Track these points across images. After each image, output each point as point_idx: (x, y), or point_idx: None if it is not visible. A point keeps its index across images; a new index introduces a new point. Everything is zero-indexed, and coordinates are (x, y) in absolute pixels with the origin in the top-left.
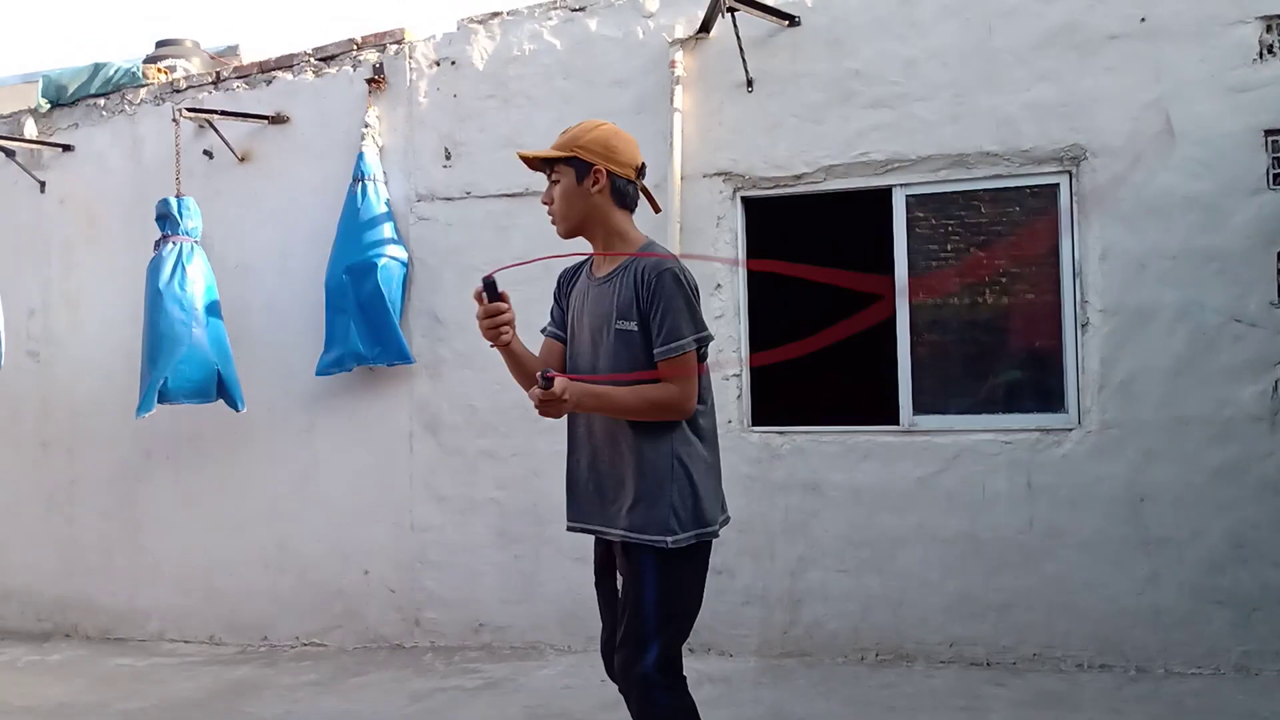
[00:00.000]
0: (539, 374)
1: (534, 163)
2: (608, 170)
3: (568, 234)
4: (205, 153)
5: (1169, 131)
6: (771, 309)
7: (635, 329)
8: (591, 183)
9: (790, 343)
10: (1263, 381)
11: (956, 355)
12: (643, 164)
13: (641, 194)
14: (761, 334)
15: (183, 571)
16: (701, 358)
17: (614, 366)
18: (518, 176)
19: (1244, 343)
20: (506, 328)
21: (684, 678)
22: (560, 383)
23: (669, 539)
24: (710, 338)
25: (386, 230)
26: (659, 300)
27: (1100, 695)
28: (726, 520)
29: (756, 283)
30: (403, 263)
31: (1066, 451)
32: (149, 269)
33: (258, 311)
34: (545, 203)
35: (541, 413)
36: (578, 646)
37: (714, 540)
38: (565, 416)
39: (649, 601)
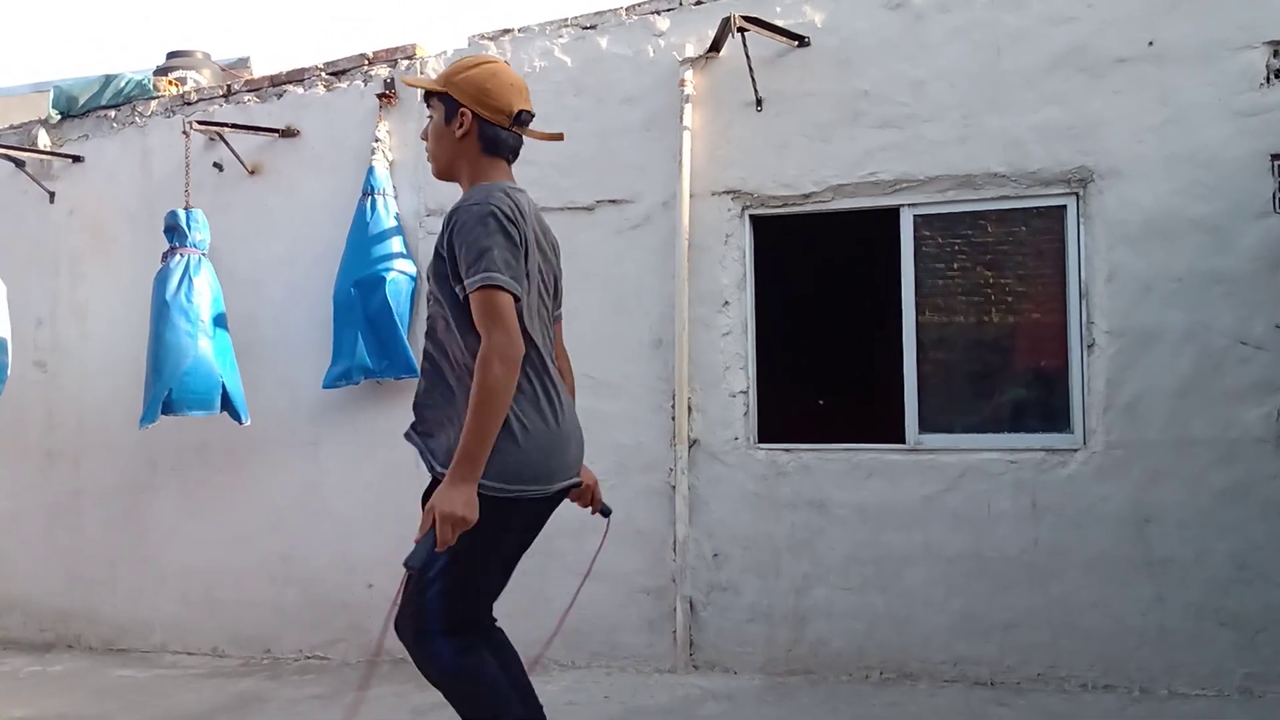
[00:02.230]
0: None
1: (423, 89)
2: (475, 114)
3: (437, 174)
4: (215, 165)
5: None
6: (779, 326)
7: (443, 280)
8: (457, 125)
9: (796, 360)
10: (1268, 404)
11: (963, 374)
12: (521, 110)
13: (536, 137)
14: (768, 352)
15: (187, 583)
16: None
17: (429, 332)
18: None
19: (1250, 365)
20: (447, 533)
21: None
22: (434, 513)
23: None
24: (504, 284)
25: (395, 245)
26: (450, 238)
27: (1104, 716)
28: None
29: (764, 300)
30: (411, 277)
31: (1072, 471)
32: (156, 280)
33: (266, 324)
34: (422, 139)
35: (460, 530)
36: (581, 663)
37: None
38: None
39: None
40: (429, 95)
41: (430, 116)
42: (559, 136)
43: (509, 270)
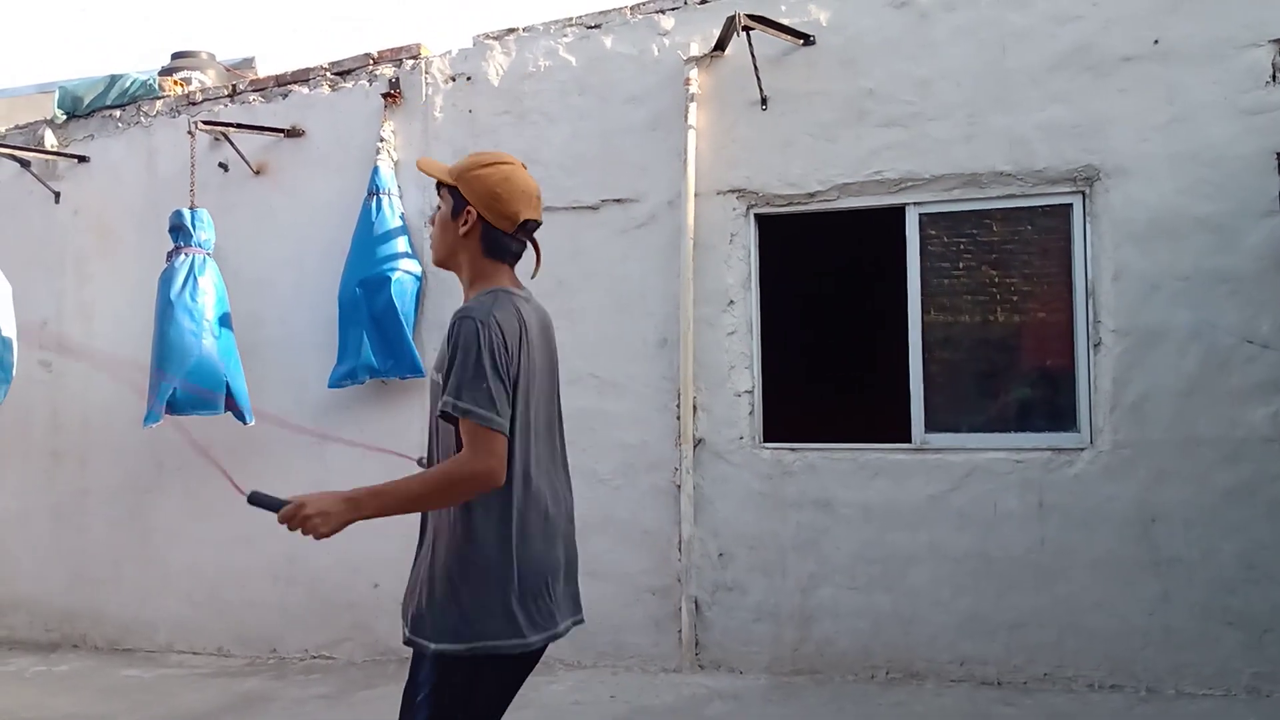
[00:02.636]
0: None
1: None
2: (480, 215)
3: (437, 262)
4: (220, 165)
5: None
6: (784, 326)
7: (441, 381)
8: (462, 221)
9: (801, 359)
10: (1274, 403)
11: (969, 373)
12: (529, 220)
13: (531, 247)
14: (773, 351)
15: (192, 583)
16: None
17: (432, 424)
18: None
19: (1256, 364)
20: (315, 521)
21: None
22: (305, 497)
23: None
24: (486, 418)
25: (400, 244)
26: (453, 348)
27: (1111, 716)
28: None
29: (769, 300)
30: (416, 276)
31: (1078, 471)
32: (161, 280)
33: (271, 324)
34: (429, 224)
35: (305, 531)
36: (587, 662)
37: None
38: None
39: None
40: (440, 185)
41: (439, 206)
42: (536, 269)
43: (497, 406)
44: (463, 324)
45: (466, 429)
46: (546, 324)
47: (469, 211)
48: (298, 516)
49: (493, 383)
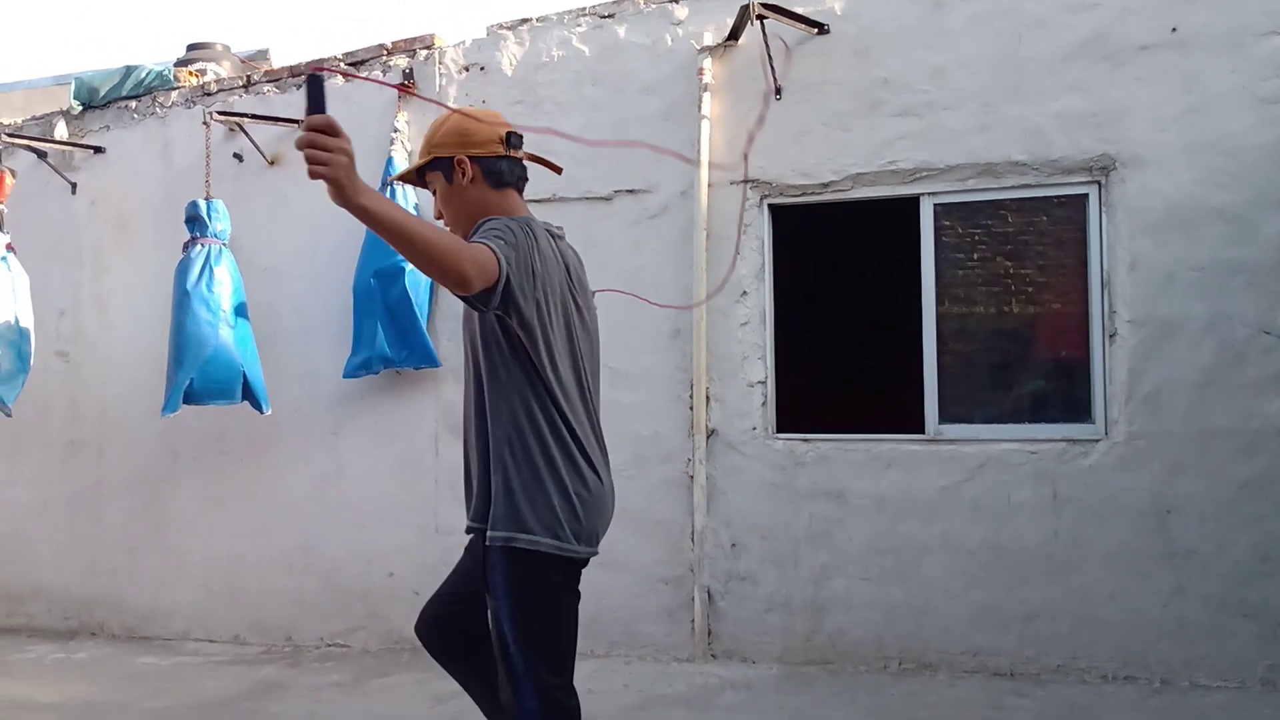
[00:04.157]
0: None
1: (413, 179)
2: (470, 156)
3: (465, 235)
4: (235, 156)
5: None
6: (798, 317)
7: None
8: (460, 176)
9: (814, 350)
10: None
11: (983, 364)
12: (509, 133)
13: (528, 161)
14: (786, 342)
15: (208, 572)
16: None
17: (467, 390)
18: (545, 182)
19: (1272, 355)
20: (337, 156)
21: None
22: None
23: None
24: (507, 270)
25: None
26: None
27: (1124, 707)
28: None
29: (783, 291)
30: None
31: (1093, 462)
32: (177, 270)
33: (286, 314)
34: (436, 217)
35: (312, 162)
36: (600, 651)
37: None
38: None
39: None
40: (423, 174)
41: (434, 192)
42: (557, 169)
43: (510, 257)
44: (486, 222)
45: (474, 246)
46: (579, 264)
47: (459, 162)
48: (320, 142)
49: (510, 250)
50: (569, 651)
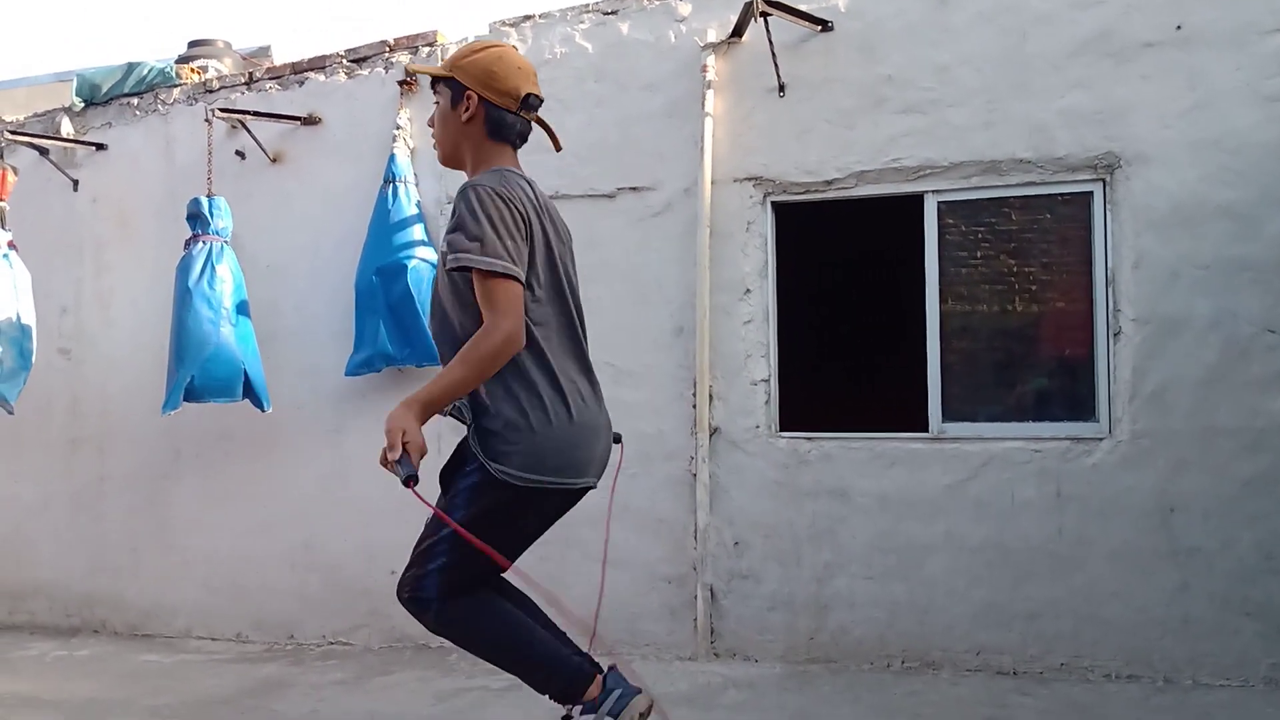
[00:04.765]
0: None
1: (425, 76)
2: (482, 97)
3: (443, 160)
4: (237, 153)
5: None
6: (801, 315)
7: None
8: (464, 109)
9: (818, 348)
10: None
11: (987, 362)
12: (529, 95)
13: (538, 126)
14: (790, 340)
15: (210, 569)
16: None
17: (438, 310)
18: (547, 180)
19: (1277, 353)
20: (408, 445)
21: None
22: (393, 419)
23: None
24: (497, 265)
25: (417, 232)
26: (456, 216)
27: (1128, 706)
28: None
29: (786, 289)
30: (433, 265)
31: (1097, 461)
32: (179, 268)
33: (288, 312)
34: (428, 125)
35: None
36: (602, 649)
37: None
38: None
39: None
40: (435, 81)
41: (437, 102)
42: (558, 147)
43: (512, 257)
44: (467, 192)
45: (481, 289)
46: (553, 207)
47: (469, 96)
48: (396, 439)
49: (504, 238)
50: (493, 571)
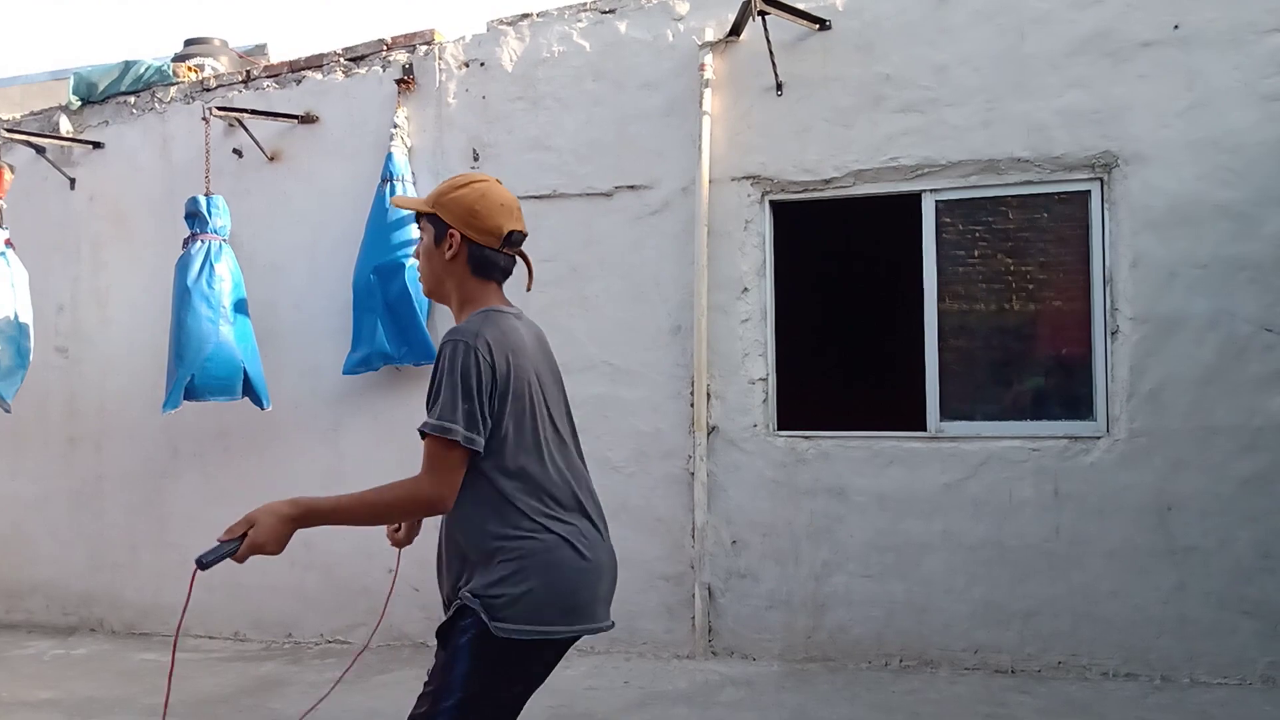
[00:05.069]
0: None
1: (411, 207)
2: (464, 236)
3: (427, 294)
4: (235, 151)
5: None
6: (799, 313)
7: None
8: (446, 246)
9: (815, 347)
10: None
11: (984, 361)
12: (513, 232)
13: (521, 261)
14: (788, 339)
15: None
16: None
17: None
18: (545, 179)
19: (1274, 352)
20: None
21: None
22: (251, 526)
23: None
24: (445, 428)
25: (414, 231)
26: (436, 371)
27: (1125, 704)
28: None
29: (784, 288)
30: None
31: (1094, 459)
32: (177, 266)
33: (286, 310)
34: (414, 258)
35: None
36: (601, 648)
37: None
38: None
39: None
40: (419, 215)
41: (420, 237)
42: (529, 287)
43: (463, 421)
44: (446, 347)
45: (426, 449)
46: (542, 340)
47: (452, 234)
48: (248, 553)
49: (466, 402)
50: None
